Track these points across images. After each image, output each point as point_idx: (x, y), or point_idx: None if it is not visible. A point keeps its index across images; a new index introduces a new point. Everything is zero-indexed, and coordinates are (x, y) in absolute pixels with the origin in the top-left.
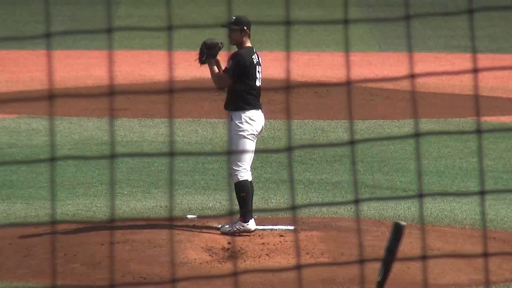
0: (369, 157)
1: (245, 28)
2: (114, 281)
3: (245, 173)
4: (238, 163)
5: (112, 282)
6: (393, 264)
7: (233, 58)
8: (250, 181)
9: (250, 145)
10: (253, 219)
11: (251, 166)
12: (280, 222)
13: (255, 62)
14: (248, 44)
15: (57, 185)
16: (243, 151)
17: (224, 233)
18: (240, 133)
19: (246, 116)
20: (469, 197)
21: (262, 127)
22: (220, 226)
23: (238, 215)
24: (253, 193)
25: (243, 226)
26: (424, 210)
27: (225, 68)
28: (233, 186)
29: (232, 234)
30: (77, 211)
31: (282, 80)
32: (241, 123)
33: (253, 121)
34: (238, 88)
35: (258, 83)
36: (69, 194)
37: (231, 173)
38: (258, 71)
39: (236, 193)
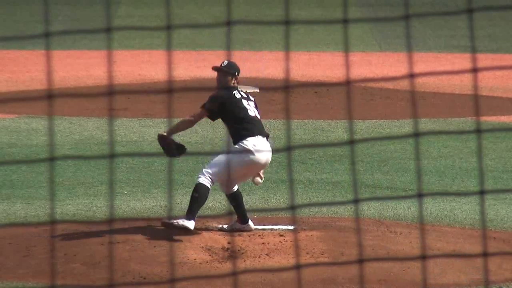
0: (369, 157)
1: (234, 73)
2: (114, 281)
3: (207, 181)
4: (210, 170)
5: (112, 282)
6: None
7: (211, 96)
8: (238, 190)
9: (235, 169)
10: (250, 220)
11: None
12: (280, 222)
13: (237, 96)
14: (232, 85)
15: (57, 185)
16: (222, 166)
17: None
18: (235, 157)
19: (245, 144)
20: (469, 197)
21: (267, 158)
22: (220, 226)
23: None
24: (242, 199)
25: (184, 224)
26: (424, 210)
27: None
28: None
29: (172, 228)
30: (77, 211)
31: (282, 80)
32: (239, 149)
33: (255, 149)
34: (229, 122)
35: (251, 113)
36: (69, 194)
37: (199, 173)
38: (248, 104)
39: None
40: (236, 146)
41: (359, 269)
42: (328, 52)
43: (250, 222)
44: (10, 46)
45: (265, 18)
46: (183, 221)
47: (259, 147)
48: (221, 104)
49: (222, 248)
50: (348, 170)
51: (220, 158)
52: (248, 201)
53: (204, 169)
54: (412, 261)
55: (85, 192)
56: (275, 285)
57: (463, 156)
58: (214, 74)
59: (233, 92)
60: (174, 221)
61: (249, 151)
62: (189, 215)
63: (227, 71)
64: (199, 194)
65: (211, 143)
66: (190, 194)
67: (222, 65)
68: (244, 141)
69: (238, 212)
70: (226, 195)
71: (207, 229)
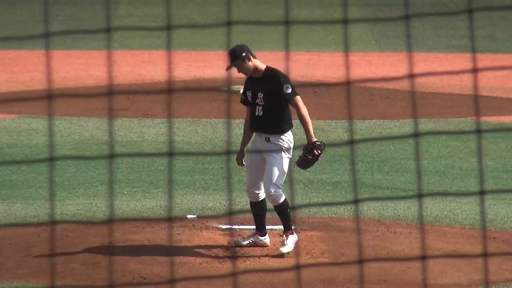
0: (369, 157)
1: (246, 53)
2: (114, 281)
3: (283, 193)
4: (278, 184)
5: (111, 282)
6: None
7: (285, 80)
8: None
9: (287, 165)
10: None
11: None
12: (280, 222)
13: None
14: (261, 65)
15: (57, 185)
16: (284, 172)
17: (283, 254)
18: (284, 155)
19: (285, 137)
20: (469, 197)
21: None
22: (280, 251)
23: (284, 235)
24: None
25: (296, 239)
26: (424, 210)
27: (285, 92)
28: (253, 204)
29: (290, 252)
30: (77, 211)
31: None
32: (283, 143)
33: (291, 141)
34: (286, 109)
35: None
36: (69, 194)
37: (274, 195)
38: None
39: (279, 213)
40: (285, 134)
41: (359, 269)
42: (328, 52)
43: (267, 236)
44: (10, 46)
45: (265, 18)
46: (291, 242)
47: (292, 136)
48: None
49: (222, 248)
50: (348, 170)
51: (276, 167)
52: (248, 201)
53: (275, 189)
54: (412, 261)
55: (85, 192)
56: (275, 285)
57: (463, 156)
58: (213, 73)
59: None
60: (285, 251)
61: (290, 142)
62: (291, 230)
63: (240, 62)
64: (289, 208)
65: (211, 143)
66: (279, 215)
67: (231, 59)
68: (290, 131)
69: (261, 223)
70: (253, 203)
71: (207, 229)
